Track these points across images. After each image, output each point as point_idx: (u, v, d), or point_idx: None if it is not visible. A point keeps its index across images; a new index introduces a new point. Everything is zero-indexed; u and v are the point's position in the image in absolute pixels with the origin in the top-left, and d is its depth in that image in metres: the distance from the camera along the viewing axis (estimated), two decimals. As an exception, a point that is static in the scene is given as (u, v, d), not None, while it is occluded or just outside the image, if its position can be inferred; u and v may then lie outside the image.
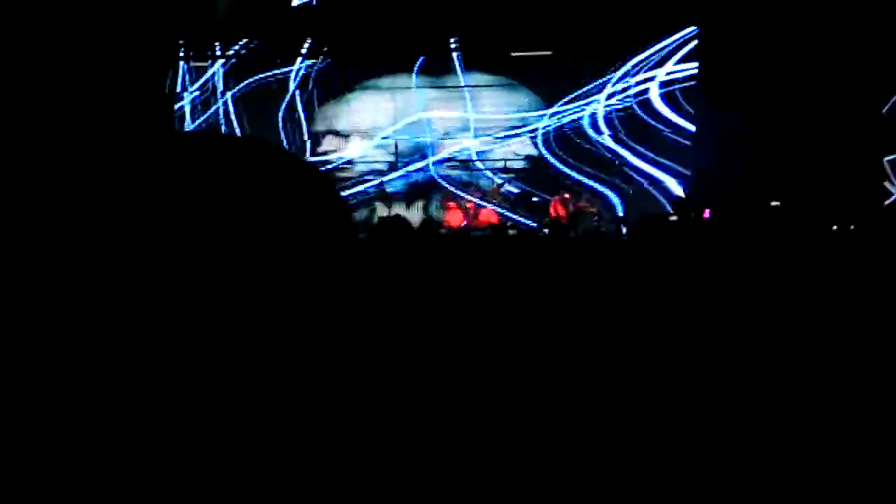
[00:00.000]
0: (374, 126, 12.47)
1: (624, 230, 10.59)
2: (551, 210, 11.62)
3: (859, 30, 9.91)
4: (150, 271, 0.62)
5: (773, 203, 9.66)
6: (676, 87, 11.45)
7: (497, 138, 12.35)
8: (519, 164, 12.38)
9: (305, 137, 12.33)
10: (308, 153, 12.37)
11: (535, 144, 12.24)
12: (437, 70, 12.24)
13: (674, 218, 8.25)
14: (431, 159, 12.41)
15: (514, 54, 11.93)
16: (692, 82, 11.21)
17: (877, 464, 1.52)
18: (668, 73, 11.50)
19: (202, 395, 0.64)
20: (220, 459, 0.63)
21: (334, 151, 12.55)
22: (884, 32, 9.86)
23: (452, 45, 12.06)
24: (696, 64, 11.01)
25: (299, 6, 11.59)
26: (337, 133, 12.54)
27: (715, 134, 10.65)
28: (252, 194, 0.67)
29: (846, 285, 2.92)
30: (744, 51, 10.37)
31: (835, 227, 6.97)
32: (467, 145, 12.41)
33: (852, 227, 8.00)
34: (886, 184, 10.36)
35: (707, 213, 9.39)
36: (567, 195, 11.64)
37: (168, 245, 0.63)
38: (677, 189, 11.36)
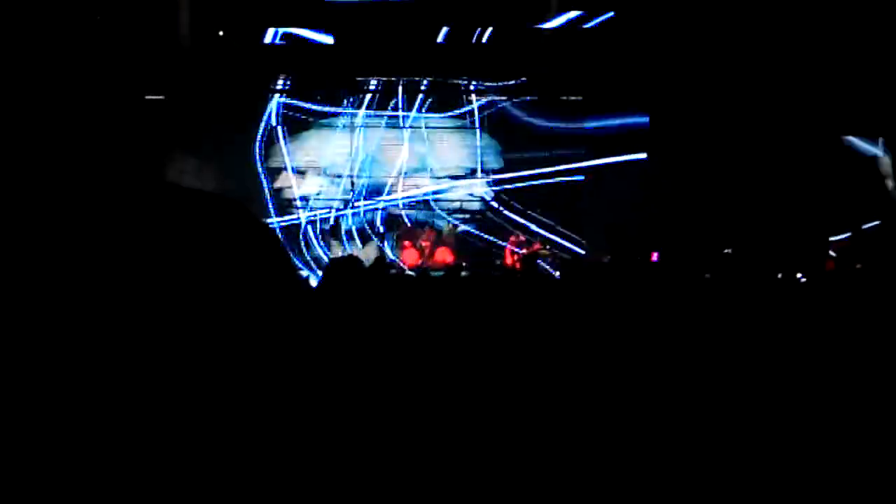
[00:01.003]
0: (331, 163, 12.49)
1: (574, 272, 10.68)
2: (506, 251, 11.71)
3: (808, 83, 10.27)
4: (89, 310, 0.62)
5: (726, 250, 9.86)
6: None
7: (453, 179, 12.46)
8: (475, 206, 12.48)
9: (261, 173, 12.29)
10: (266, 189, 12.33)
11: (491, 186, 12.37)
12: (395, 110, 12.35)
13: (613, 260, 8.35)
14: (387, 198, 12.46)
15: (474, 98, 12.12)
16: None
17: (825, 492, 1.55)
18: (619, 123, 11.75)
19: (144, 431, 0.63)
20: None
21: (290, 188, 12.51)
22: (832, 80, 10.23)
23: (413, 87, 12.19)
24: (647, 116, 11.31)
25: (263, 45, 11.63)
26: (293, 170, 12.52)
27: (666, 181, 10.89)
28: (187, 241, 0.68)
29: (788, 333, 2.99)
30: (699, 102, 10.66)
31: (780, 276, 7.15)
32: (424, 185, 12.49)
33: (799, 276, 8.20)
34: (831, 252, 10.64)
35: (655, 256, 9.55)
36: (522, 237, 11.74)
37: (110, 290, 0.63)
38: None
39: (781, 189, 10.48)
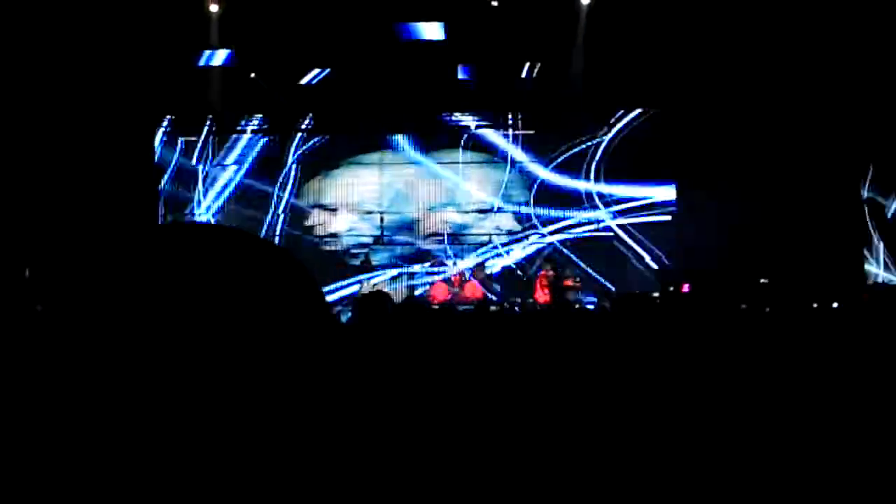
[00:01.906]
0: (361, 200, 12.59)
1: (606, 305, 10.62)
2: (537, 286, 11.64)
3: (837, 110, 10.19)
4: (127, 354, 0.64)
5: (762, 280, 9.75)
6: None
7: (481, 213, 12.49)
8: (502, 239, 12.47)
9: (282, 210, 12.45)
10: (281, 226, 12.46)
11: (519, 219, 12.38)
12: (423, 146, 12.45)
13: (656, 294, 8.30)
14: (416, 233, 12.51)
15: (500, 132, 12.20)
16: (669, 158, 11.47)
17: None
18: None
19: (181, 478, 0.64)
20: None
21: (321, 225, 12.63)
22: (862, 110, 10.15)
23: (439, 123, 12.31)
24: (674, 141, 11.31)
25: (295, 86, 11.83)
26: (324, 206, 12.64)
27: (697, 210, 10.83)
28: (225, 282, 0.69)
29: (825, 363, 2.93)
30: (729, 131, 10.64)
31: (815, 305, 7.04)
32: (452, 220, 12.52)
33: (834, 305, 8.06)
34: (866, 266, 10.49)
35: (686, 288, 9.44)
36: (552, 272, 11.67)
37: (146, 331, 0.65)
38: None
39: (817, 218, 10.35)
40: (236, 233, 0.74)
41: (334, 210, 12.61)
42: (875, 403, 2.25)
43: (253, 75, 11.80)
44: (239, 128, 12.41)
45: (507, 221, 12.48)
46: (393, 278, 12.36)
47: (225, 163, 12.43)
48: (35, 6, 9.85)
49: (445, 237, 12.44)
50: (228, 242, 0.73)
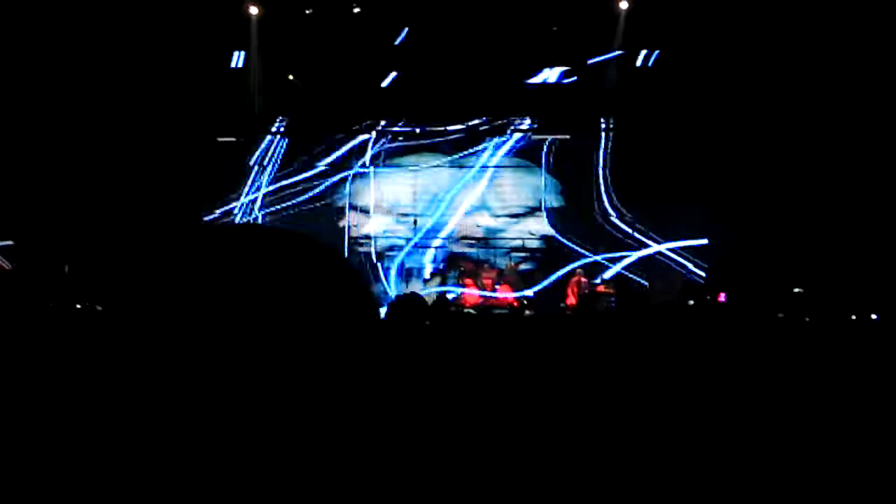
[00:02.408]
0: (395, 202, 12.63)
1: (638, 312, 10.48)
2: (568, 291, 11.55)
3: (879, 114, 10.01)
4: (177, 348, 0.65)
5: (796, 290, 9.60)
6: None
7: (514, 217, 12.45)
8: (535, 244, 12.41)
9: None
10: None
11: (552, 224, 12.30)
12: (457, 150, 12.45)
13: (691, 302, 8.21)
14: (449, 236, 12.50)
15: (534, 137, 12.15)
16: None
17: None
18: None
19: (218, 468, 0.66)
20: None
21: (356, 226, 12.69)
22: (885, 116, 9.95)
23: (474, 127, 12.30)
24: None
25: (331, 88, 11.91)
26: (359, 208, 12.70)
27: (731, 220, 10.70)
28: (278, 280, 0.70)
29: (862, 375, 2.88)
30: (764, 136, 10.49)
31: (854, 317, 6.92)
32: (485, 223, 12.50)
33: (873, 316, 7.91)
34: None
35: (722, 297, 9.33)
36: (584, 277, 11.57)
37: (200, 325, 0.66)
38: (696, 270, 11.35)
39: (857, 226, 10.17)
40: (288, 234, 0.75)
41: (368, 212, 12.68)
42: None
43: (291, 77, 11.90)
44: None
45: (539, 226, 12.42)
46: (425, 281, 12.38)
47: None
48: (40, 7, 10.08)
49: (478, 241, 12.44)
50: (279, 244, 0.74)
